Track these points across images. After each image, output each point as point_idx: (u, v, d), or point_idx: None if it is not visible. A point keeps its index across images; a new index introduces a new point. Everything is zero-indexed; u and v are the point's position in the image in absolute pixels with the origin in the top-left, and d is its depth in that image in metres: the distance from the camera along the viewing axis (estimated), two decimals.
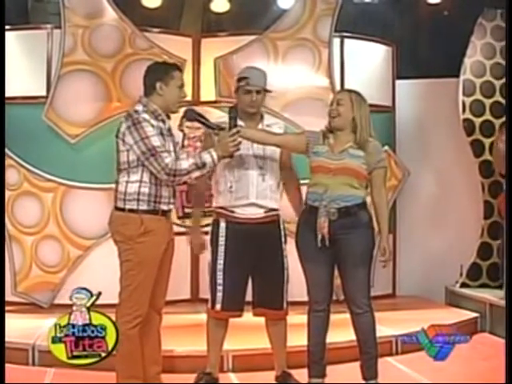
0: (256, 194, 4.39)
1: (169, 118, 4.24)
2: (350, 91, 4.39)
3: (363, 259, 4.23)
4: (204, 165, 4.07)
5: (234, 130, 4.18)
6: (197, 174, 4.09)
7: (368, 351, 4.27)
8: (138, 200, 4.05)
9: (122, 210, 4.08)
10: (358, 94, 4.35)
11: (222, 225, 4.40)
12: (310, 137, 4.35)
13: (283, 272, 4.45)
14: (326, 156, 4.26)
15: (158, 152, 4.00)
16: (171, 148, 4.16)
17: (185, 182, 4.59)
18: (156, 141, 4.02)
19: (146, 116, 4.08)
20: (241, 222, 4.38)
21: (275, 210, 4.46)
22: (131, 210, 4.05)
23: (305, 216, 4.32)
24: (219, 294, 4.35)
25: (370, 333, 4.28)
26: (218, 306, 4.37)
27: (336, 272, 4.32)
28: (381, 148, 4.44)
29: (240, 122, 4.33)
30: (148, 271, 4.03)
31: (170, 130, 4.24)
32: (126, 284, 4.04)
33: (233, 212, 4.39)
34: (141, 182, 4.06)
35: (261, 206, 4.40)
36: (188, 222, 4.74)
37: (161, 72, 4.21)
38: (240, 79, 4.47)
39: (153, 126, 4.06)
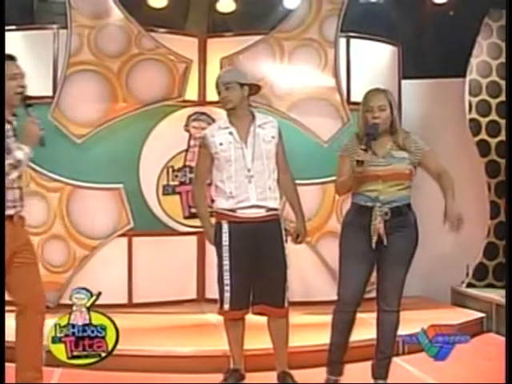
0: (256, 196, 4.40)
1: (14, 115, 3.90)
2: (384, 91, 4.28)
3: (406, 259, 4.26)
4: (19, 161, 3.76)
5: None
6: (16, 173, 3.77)
7: (384, 350, 4.27)
8: None
9: None
10: (390, 92, 4.31)
11: (225, 226, 4.41)
12: (346, 151, 4.26)
13: (285, 270, 4.46)
14: (371, 164, 4.16)
15: None
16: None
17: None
18: None
19: None
20: (243, 222, 4.39)
21: (275, 210, 4.47)
22: None
23: (352, 215, 4.29)
24: (227, 295, 4.38)
25: (391, 333, 4.28)
26: (227, 306, 4.40)
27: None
28: (415, 137, 4.46)
29: (232, 128, 4.43)
30: None
31: (14, 130, 3.91)
32: None
33: (234, 212, 4.41)
34: None
35: (262, 207, 4.42)
36: (196, 222, 4.70)
37: None
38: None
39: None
